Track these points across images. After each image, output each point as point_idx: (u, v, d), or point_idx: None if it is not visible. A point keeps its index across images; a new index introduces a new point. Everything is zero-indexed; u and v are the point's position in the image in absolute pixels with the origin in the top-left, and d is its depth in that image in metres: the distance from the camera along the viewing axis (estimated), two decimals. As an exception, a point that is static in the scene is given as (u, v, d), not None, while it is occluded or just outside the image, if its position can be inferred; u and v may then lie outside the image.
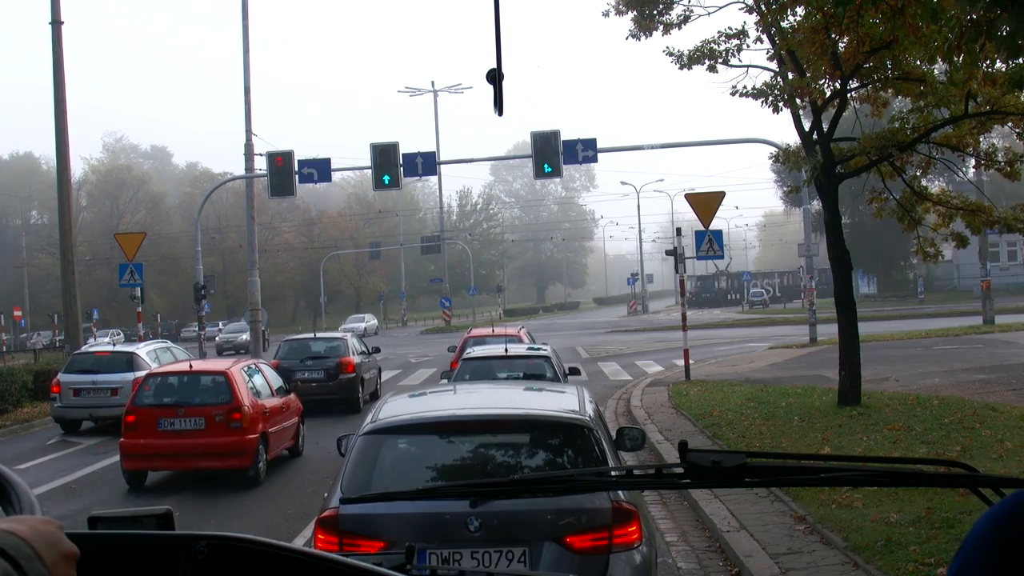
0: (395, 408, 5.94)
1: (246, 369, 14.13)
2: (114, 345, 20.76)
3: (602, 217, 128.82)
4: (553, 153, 29.12)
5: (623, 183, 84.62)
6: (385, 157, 29.50)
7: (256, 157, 33.12)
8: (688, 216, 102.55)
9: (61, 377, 18.93)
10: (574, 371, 15.43)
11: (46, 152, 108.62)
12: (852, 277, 14.83)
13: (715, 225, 20.66)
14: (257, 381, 14.16)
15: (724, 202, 21.81)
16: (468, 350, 15.04)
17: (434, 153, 30.06)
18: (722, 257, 21.66)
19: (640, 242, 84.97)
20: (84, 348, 22.06)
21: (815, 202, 79.29)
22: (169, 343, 22.21)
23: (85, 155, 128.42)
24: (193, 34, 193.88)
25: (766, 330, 43.34)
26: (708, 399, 16.98)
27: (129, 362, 18.67)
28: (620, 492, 4.99)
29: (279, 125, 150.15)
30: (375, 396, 21.52)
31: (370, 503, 2.67)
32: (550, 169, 29.24)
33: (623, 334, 46.62)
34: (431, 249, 75.11)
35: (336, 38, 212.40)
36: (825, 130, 14.89)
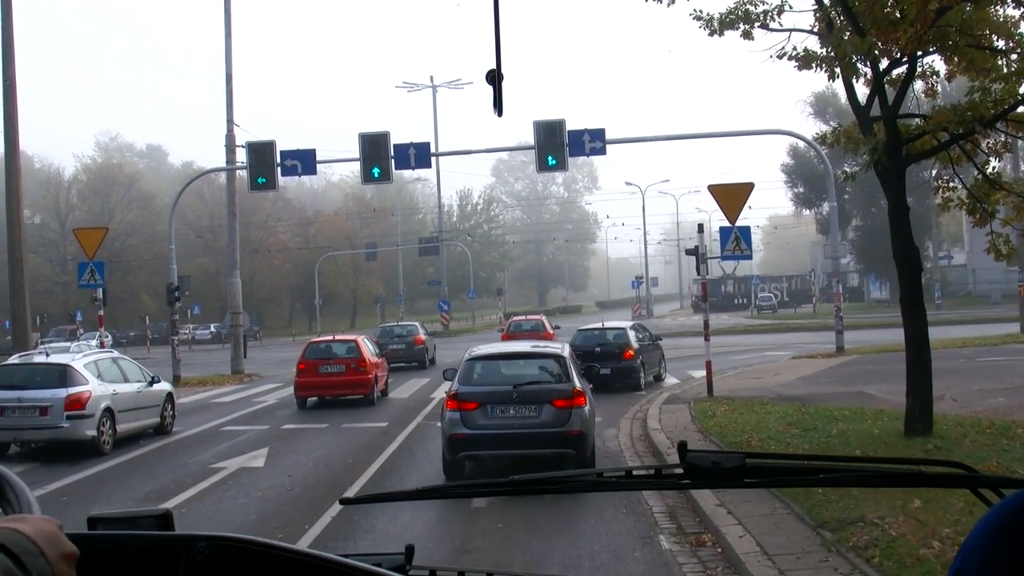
0: (478, 350, 13.17)
1: (364, 339, 23.86)
2: (47, 356, 17.89)
3: (608, 216, 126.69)
4: (558, 145, 26.73)
5: (628, 183, 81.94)
6: (375, 148, 27.10)
7: (239, 150, 30.68)
8: (692, 218, 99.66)
9: None
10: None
11: (39, 150, 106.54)
12: (920, 279, 12.35)
13: (723, 222, 18.32)
14: (370, 347, 23.42)
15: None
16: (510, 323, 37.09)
17: (428, 144, 27.60)
18: (750, 257, 19.23)
19: (644, 244, 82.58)
20: (14, 358, 19.48)
21: (824, 205, 76.85)
22: (115, 353, 19.14)
23: (78, 153, 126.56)
24: (193, 32, 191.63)
25: (782, 337, 40.93)
26: (740, 422, 14.50)
27: (62, 376, 15.49)
28: (577, 380, 12.21)
29: (271, 121, 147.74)
30: (433, 361, 33.72)
31: (372, 500, 2.42)
32: (555, 162, 26.85)
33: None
34: (429, 250, 72.66)
35: (332, 33, 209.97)
36: (890, 103, 12.36)
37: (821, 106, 74.89)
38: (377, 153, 27.07)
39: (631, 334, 23.69)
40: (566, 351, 13.09)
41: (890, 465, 2.07)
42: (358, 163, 27.25)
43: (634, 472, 2.00)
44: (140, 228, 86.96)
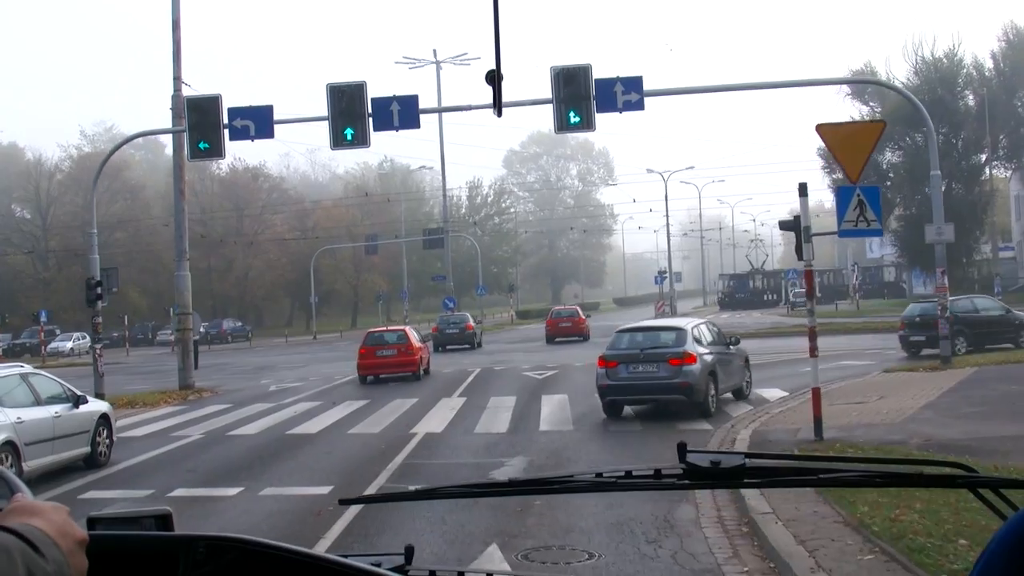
0: (622, 327, 17.96)
1: (410, 328, 30.41)
2: None
3: (634, 201, 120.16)
4: (582, 97, 20.79)
5: (649, 170, 75.37)
6: (348, 103, 21.21)
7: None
8: (711, 212, 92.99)
9: None
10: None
11: (32, 141, 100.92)
12: None
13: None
14: (415, 334, 28.98)
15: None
16: (552, 311, 51.17)
17: (415, 98, 21.62)
18: (879, 232, 13.17)
19: (668, 235, 76.20)
20: None
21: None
22: (26, 367, 14.57)
23: (63, 143, 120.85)
24: (194, 29, 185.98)
25: (838, 340, 34.64)
26: (932, 525, 8.32)
27: None
28: (691, 346, 16.30)
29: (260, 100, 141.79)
30: (480, 344, 42.82)
31: (370, 500, 3.45)
32: (579, 119, 20.85)
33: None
34: (434, 243, 66.69)
35: (327, 5, 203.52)
36: None
37: (859, 85, 68.50)
38: (351, 110, 21.17)
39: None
40: (686, 324, 17.40)
41: (890, 465, 2.10)
42: (327, 124, 21.36)
43: (633, 473, 1.99)
44: (126, 221, 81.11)
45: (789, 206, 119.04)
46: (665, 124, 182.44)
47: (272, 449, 14.65)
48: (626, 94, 21.06)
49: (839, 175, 70.07)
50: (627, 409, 16.88)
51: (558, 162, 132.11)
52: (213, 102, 21.58)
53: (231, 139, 21.84)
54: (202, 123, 21.57)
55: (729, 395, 18.27)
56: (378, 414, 18.48)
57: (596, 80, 20.79)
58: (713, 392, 16.28)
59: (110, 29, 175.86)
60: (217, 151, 21.78)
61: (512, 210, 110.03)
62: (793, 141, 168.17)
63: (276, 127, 22.04)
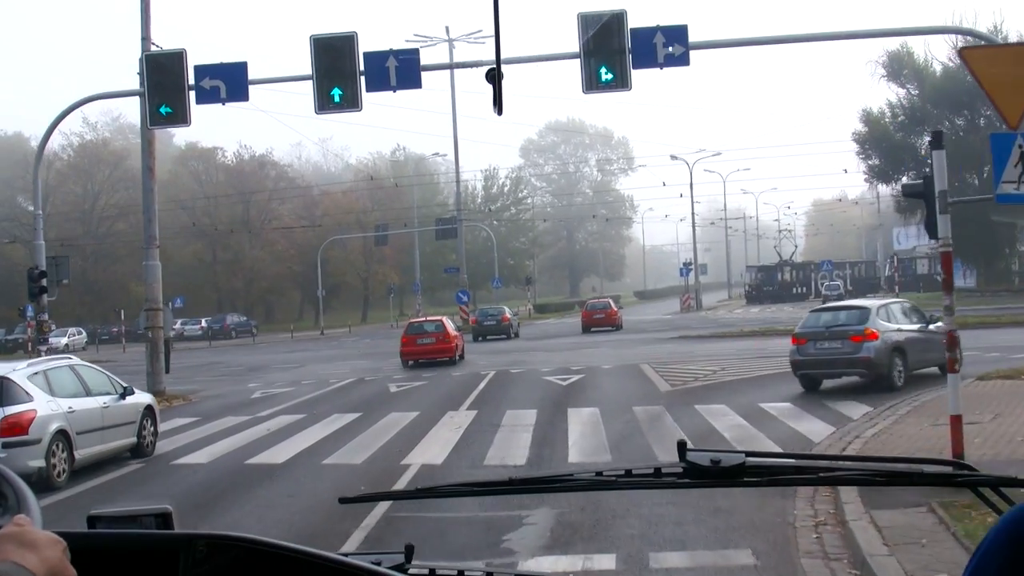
0: (813, 308, 21.47)
1: (447, 319, 33.16)
2: None
3: (663, 185, 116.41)
4: (615, 50, 17.40)
5: (673, 157, 71.37)
6: (335, 59, 17.83)
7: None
8: (734, 202, 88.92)
9: None
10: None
11: (36, 131, 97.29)
12: None
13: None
14: (451, 324, 32.30)
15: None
16: (588, 303, 55.41)
17: (415, 53, 18.20)
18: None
19: (693, 224, 72.47)
20: None
21: (903, 178, 66.66)
22: (74, 359, 15.05)
23: (64, 131, 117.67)
24: (196, 26, 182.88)
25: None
26: None
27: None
28: (875, 322, 17.60)
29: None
30: (517, 334, 45.91)
31: (371, 499, 2.73)
32: (611, 76, 17.42)
33: (695, 342, 34.21)
34: (447, 233, 63.36)
35: None
36: None
37: (895, 66, 64.56)
38: (339, 67, 17.77)
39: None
40: (872, 304, 19.64)
41: (891, 464, 2.09)
42: (311, 84, 17.97)
43: (633, 472, 1.98)
44: (128, 211, 77.85)
45: (813, 196, 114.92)
46: (686, 109, 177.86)
47: (218, 489, 11.24)
48: (668, 46, 17.58)
49: (876, 160, 66.31)
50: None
51: (576, 151, 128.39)
52: (176, 59, 18.22)
53: (198, 102, 18.46)
54: (164, 84, 18.22)
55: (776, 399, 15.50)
56: (367, 433, 15.05)
57: (632, 30, 17.38)
58: (900, 368, 17.60)
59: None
60: (181, 117, 18.38)
61: (529, 200, 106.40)
62: (822, 126, 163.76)
63: (253, 90, 18.64)
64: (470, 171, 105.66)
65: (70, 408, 12.77)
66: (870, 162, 64.61)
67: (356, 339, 55.33)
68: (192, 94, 18.25)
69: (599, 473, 2.02)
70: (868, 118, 63.99)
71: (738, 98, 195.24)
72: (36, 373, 12.86)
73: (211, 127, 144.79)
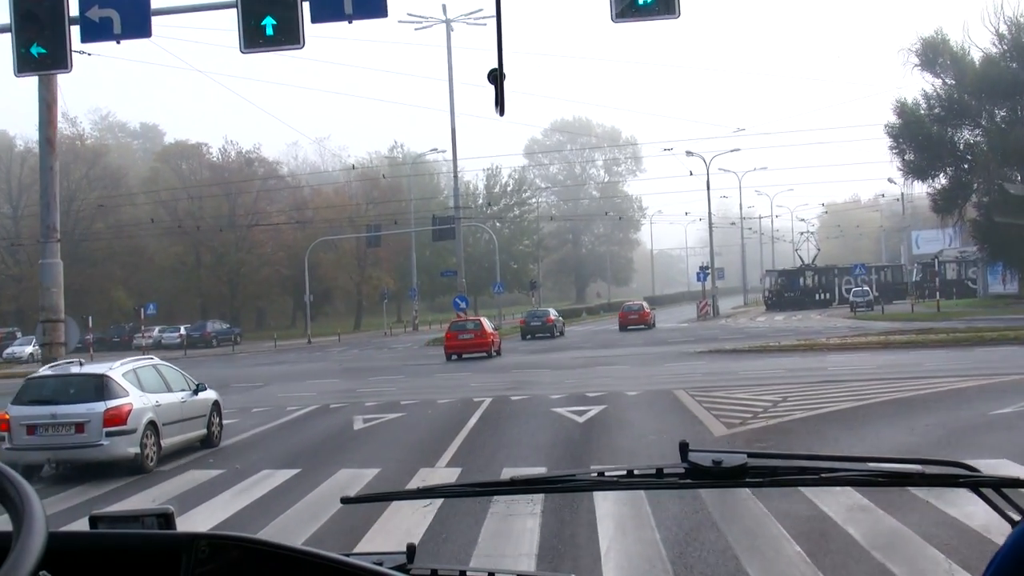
0: None
1: (484, 319, 41.61)
2: (81, 365, 14.42)
3: (690, 173, 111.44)
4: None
5: (689, 153, 66.19)
6: (269, -22, 12.90)
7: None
8: (750, 206, 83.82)
9: (10, 409, 13.51)
10: None
11: (23, 130, 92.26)
12: None
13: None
14: (489, 323, 39.60)
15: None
16: (624, 305, 63.67)
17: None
18: None
19: (710, 225, 67.39)
20: (45, 369, 14.97)
21: (940, 176, 61.51)
22: (155, 359, 16.03)
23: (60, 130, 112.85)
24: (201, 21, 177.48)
25: (945, 356, 25.86)
26: None
27: (99, 388, 13.39)
28: None
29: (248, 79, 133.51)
30: (562, 333, 52.09)
31: (373, 499, 2.46)
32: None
33: (730, 358, 28.86)
34: (445, 234, 58.47)
35: None
36: None
37: (930, 54, 59.54)
38: (273, -11, 12.87)
39: None
40: None
41: (892, 464, 2.06)
42: (235, 13, 13.06)
43: (635, 472, 1.95)
44: (107, 212, 73.00)
45: (830, 198, 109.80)
46: (696, 109, 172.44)
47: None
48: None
49: (910, 155, 61.36)
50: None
51: (583, 151, 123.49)
52: (53, -20, 13.28)
53: (84, 39, 13.63)
54: (36, 14, 13.32)
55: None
56: (295, 511, 9.95)
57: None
58: None
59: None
60: (60, 60, 13.41)
61: (533, 201, 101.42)
62: (846, 126, 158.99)
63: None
64: (472, 171, 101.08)
65: (157, 402, 13.98)
66: (905, 157, 59.54)
67: (343, 349, 50.38)
68: (76, 28, 13.40)
69: (600, 473, 2.00)
70: (903, 109, 58.88)
71: (752, 101, 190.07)
72: (129, 371, 14.08)
73: (207, 128, 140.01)
